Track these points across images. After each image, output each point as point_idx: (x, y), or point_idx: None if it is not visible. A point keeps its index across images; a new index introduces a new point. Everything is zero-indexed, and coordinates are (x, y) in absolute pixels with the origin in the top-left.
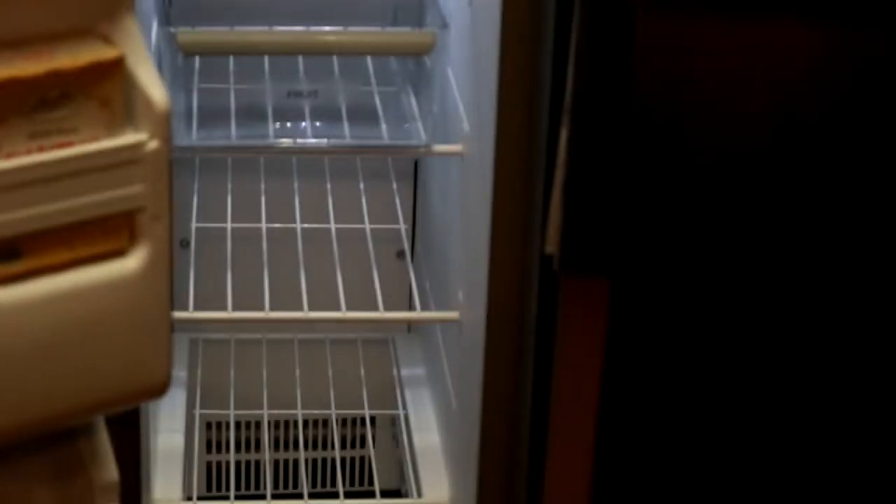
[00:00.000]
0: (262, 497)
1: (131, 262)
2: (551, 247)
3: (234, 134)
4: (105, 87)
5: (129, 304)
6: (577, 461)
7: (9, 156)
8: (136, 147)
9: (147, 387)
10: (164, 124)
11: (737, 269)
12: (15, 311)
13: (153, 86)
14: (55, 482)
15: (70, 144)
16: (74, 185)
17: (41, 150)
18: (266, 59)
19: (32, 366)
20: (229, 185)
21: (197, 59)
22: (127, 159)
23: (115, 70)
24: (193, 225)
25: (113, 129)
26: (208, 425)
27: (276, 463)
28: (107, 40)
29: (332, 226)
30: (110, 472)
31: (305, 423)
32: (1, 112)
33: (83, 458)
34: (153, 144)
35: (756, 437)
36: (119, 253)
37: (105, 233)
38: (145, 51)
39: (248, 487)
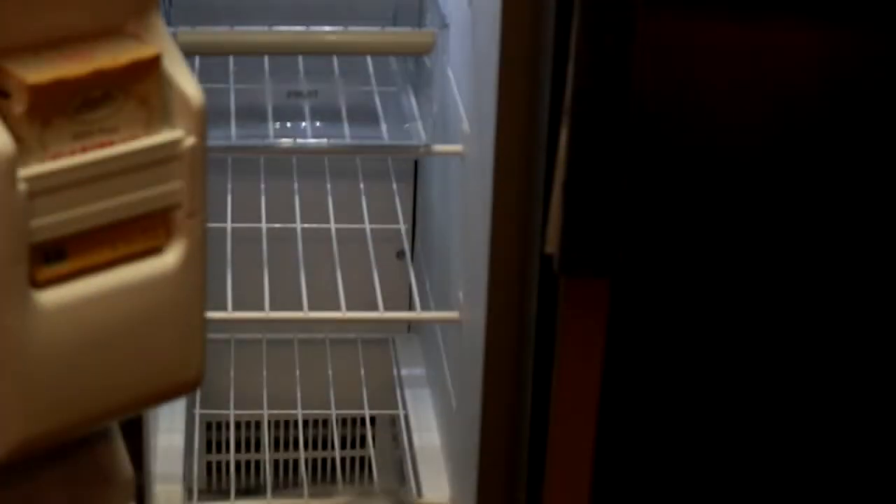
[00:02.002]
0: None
1: (169, 259)
2: (551, 247)
3: (234, 134)
4: (144, 86)
5: (168, 299)
6: (577, 461)
7: (54, 157)
8: (174, 144)
9: (183, 381)
10: (199, 121)
11: (737, 270)
12: (62, 311)
13: (188, 83)
14: (73, 481)
15: (111, 144)
16: (116, 183)
17: (84, 150)
18: (266, 59)
19: (79, 365)
20: (229, 185)
21: (197, 59)
22: (165, 157)
23: (154, 68)
24: None
25: (151, 127)
26: (208, 425)
27: (275, 463)
28: (138, 39)
29: (332, 226)
30: (126, 470)
31: (305, 423)
32: (47, 113)
33: (100, 457)
34: (190, 141)
35: (756, 436)
36: (156, 250)
37: (143, 231)
38: (176, 49)
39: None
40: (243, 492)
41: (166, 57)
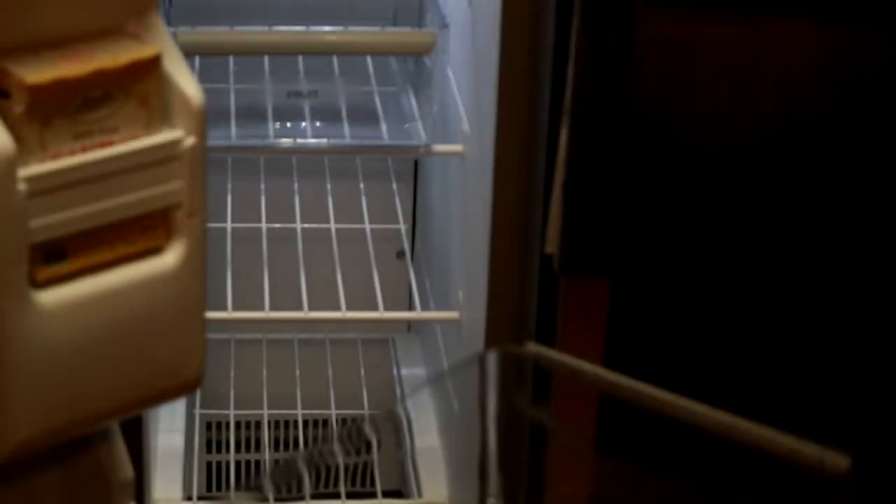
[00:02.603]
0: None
1: (169, 259)
2: (551, 247)
3: (234, 134)
4: (144, 86)
5: (168, 299)
6: (577, 461)
7: (54, 157)
8: (174, 144)
9: (185, 380)
10: (199, 121)
11: (737, 269)
12: (62, 311)
13: (188, 83)
14: (73, 481)
15: (111, 144)
16: (116, 183)
17: (84, 150)
18: (266, 59)
19: (79, 365)
20: (229, 185)
21: (197, 59)
22: (165, 157)
23: (153, 68)
24: None
25: (151, 127)
26: (208, 425)
27: (275, 463)
28: (138, 39)
29: (332, 226)
30: (126, 470)
31: (305, 423)
32: (47, 113)
33: (100, 457)
34: (190, 141)
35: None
36: (156, 250)
37: (143, 231)
38: (176, 49)
39: (248, 488)
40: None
41: (166, 57)
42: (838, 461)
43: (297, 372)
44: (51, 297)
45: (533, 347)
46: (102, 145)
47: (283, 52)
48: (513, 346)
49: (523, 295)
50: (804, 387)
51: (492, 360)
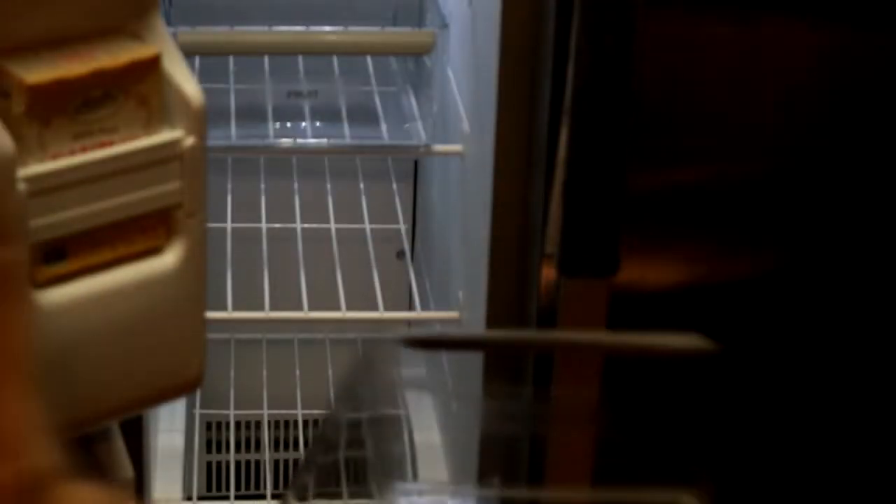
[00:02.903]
0: (263, 497)
1: (169, 259)
2: (551, 247)
3: (234, 134)
4: (143, 86)
5: (168, 299)
6: (577, 462)
7: (54, 157)
8: (174, 144)
9: (185, 381)
10: (199, 121)
11: (737, 269)
12: (62, 311)
13: (187, 83)
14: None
15: (110, 144)
16: (116, 183)
17: (84, 150)
18: (266, 59)
19: (79, 364)
20: (229, 185)
21: (197, 59)
22: (165, 157)
23: (153, 68)
24: None
25: (150, 127)
26: (208, 425)
27: (275, 463)
28: (137, 39)
29: (332, 226)
30: (126, 470)
31: (305, 423)
32: (47, 113)
33: (100, 457)
34: (189, 141)
35: (755, 437)
36: (156, 250)
37: (143, 231)
38: (176, 49)
39: (248, 487)
40: (243, 495)
41: (166, 57)
42: (702, 344)
43: (297, 372)
44: (51, 297)
45: (413, 331)
46: (102, 145)
47: (283, 52)
48: (401, 336)
49: (523, 295)
50: (805, 385)
51: (383, 350)
